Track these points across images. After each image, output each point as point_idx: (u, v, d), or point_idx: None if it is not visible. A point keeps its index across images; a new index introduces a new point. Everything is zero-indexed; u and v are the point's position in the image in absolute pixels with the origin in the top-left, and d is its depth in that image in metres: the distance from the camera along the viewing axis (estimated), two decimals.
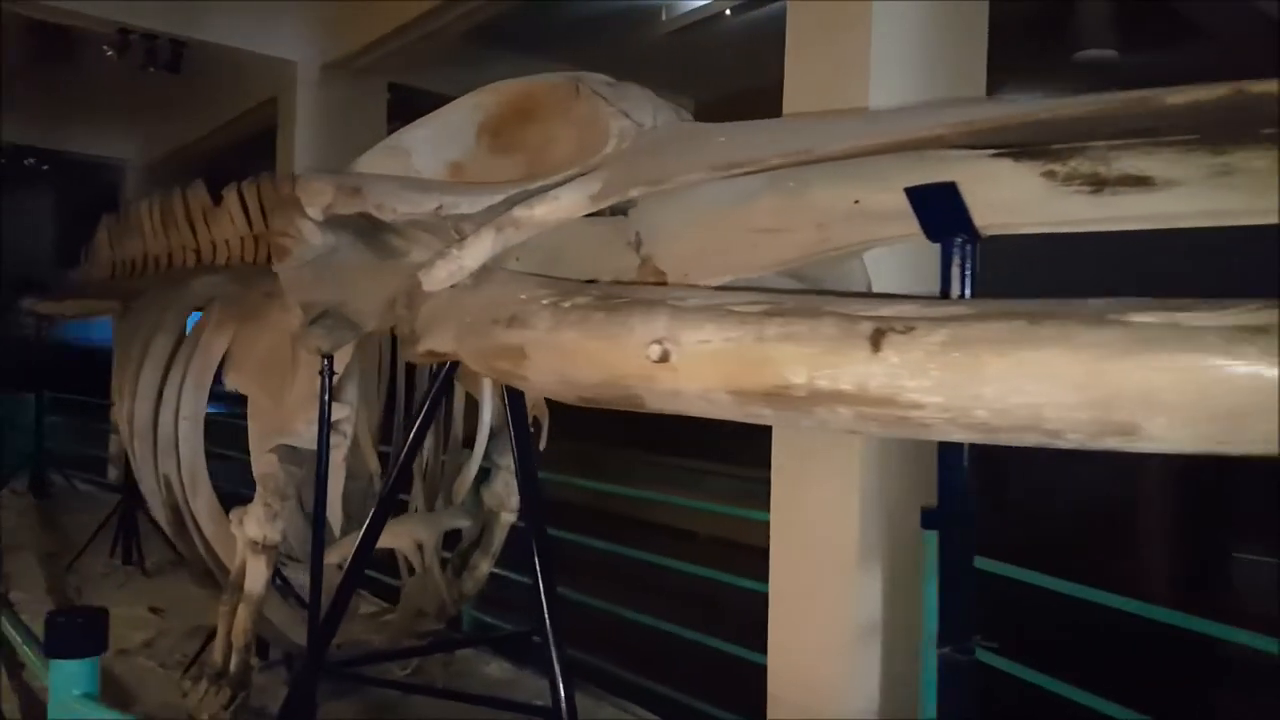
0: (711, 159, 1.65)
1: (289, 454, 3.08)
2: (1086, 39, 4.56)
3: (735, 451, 8.80)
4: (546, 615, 2.62)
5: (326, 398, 2.68)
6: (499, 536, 3.67)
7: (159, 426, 3.40)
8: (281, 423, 3.08)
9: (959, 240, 1.64)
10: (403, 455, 2.74)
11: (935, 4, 3.20)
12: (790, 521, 3.21)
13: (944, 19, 3.21)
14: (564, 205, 1.86)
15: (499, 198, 1.99)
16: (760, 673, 3.26)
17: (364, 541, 2.77)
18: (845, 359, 1.14)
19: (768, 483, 3.30)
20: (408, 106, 7.41)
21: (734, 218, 1.97)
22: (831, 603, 3.08)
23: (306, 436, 3.05)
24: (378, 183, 2.06)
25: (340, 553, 3.30)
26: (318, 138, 6.75)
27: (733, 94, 8.98)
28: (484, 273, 2.02)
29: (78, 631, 1.53)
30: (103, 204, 10.56)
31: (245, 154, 7.98)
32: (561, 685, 2.60)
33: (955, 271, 1.63)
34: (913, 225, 1.69)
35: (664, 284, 1.96)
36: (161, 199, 5.22)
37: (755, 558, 3.34)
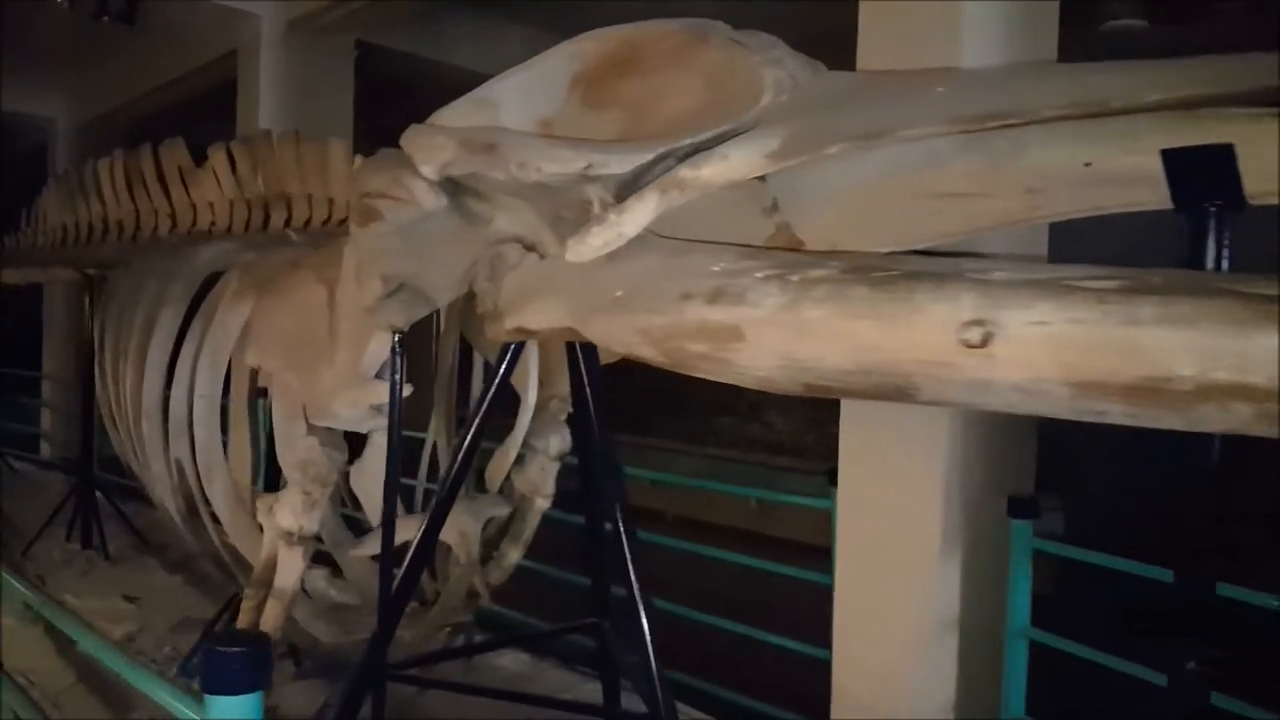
0: (945, 112, 1.45)
1: (330, 437, 2.80)
2: (1114, 9, 4.47)
3: (693, 430, 8.69)
4: (640, 604, 2.40)
5: (399, 378, 2.41)
6: (531, 524, 3.43)
7: (170, 407, 3.07)
8: (320, 404, 2.79)
9: (1213, 210, 1.46)
10: (468, 440, 2.50)
11: None
12: (862, 511, 3.05)
13: None
14: (734, 165, 1.64)
15: (648, 156, 1.76)
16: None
17: (429, 531, 2.53)
18: (1256, 346, 0.95)
19: (733, 461, 3.14)
20: (376, 66, 7.03)
21: (914, 182, 1.77)
22: (909, 595, 2.94)
23: (348, 418, 2.77)
24: (517, 139, 1.81)
25: (373, 545, 3.05)
26: (282, 97, 6.32)
27: None
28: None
29: (242, 664, 1.27)
30: (28, 165, 9.87)
31: (193, 114, 7.47)
32: (657, 683, 2.39)
33: (1211, 245, 1.45)
34: (1153, 192, 1.51)
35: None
36: (127, 158, 4.81)
37: (723, 537, 3.17)
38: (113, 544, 5.63)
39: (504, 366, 2.47)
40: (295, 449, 2.86)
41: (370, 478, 2.93)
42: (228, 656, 1.28)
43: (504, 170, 1.75)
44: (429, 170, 1.89)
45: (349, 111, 6.47)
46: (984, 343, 1.11)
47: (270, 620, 2.89)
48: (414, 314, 2.30)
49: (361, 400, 2.73)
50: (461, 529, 3.08)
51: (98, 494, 5.67)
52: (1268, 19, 4.19)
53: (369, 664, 2.42)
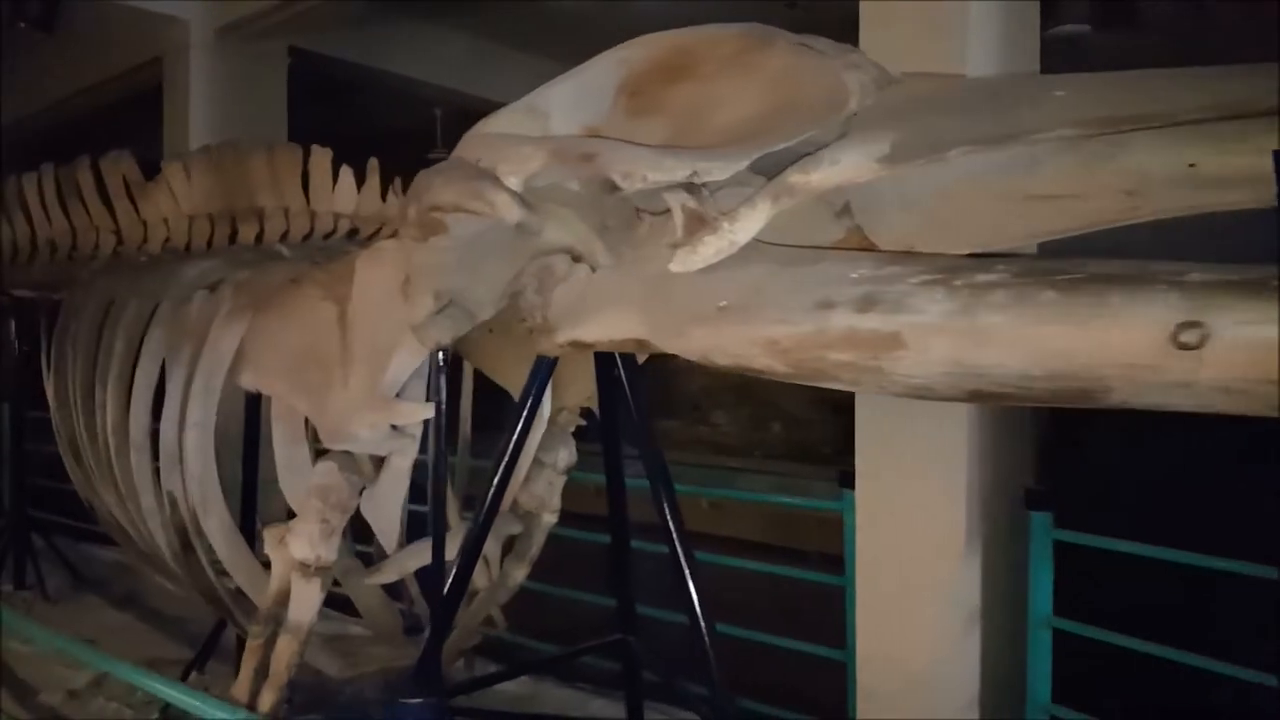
0: (1073, 115, 1.46)
1: (347, 462, 2.68)
2: (1060, 14, 4.63)
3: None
4: (699, 617, 2.36)
5: (443, 397, 2.32)
6: (538, 541, 3.35)
7: (160, 437, 2.89)
8: (336, 426, 2.67)
9: None
10: (505, 459, 2.43)
11: None
12: (880, 508, 3.07)
13: None
14: (844, 170, 1.63)
15: (745, 162, 1.73)
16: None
17: (468, 554, 2.44)
18: None
19: (683, 464, 3.16)
20: (309, 73, 6.80)
21: (1001, 185, 1.77)
22: (933, 591, 2.97)
23: (368, 440, 2.65)
24: (617, 146, 1.75)
25: (397, 569, 2.93)
26: (213, 105, 6.04)
27: None
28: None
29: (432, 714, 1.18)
30: None
31: (109, 122, 7.09)
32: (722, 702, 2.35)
33: None
34: (1253, 192, 1.55)
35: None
36: (60, 172, 4.55)
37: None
38: (48, 583, 5.29)
39: (536, 385, 2.40)
40: (304, 475, 2.73)
41: (386, 503, 2.81)
42: (418, 709, 1.20)
43: (617, 179, 1.69)
44: (515, 181, 1.82)
45: (283, 119, 6.24)
46: (1200, 344, 1.11)
47: (284, 658, 2.75)
48: (459, 330, 2.22)
49: (382, 421, 2.62)
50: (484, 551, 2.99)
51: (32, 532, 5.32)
52: (1210, 24, 4.40)
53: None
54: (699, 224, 1.66)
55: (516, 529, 3.18)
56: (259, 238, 3.55)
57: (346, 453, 2.70)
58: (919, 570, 2.99)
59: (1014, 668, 2.96)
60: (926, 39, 2.96)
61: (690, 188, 1.70)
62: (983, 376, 1.31)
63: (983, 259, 1.43)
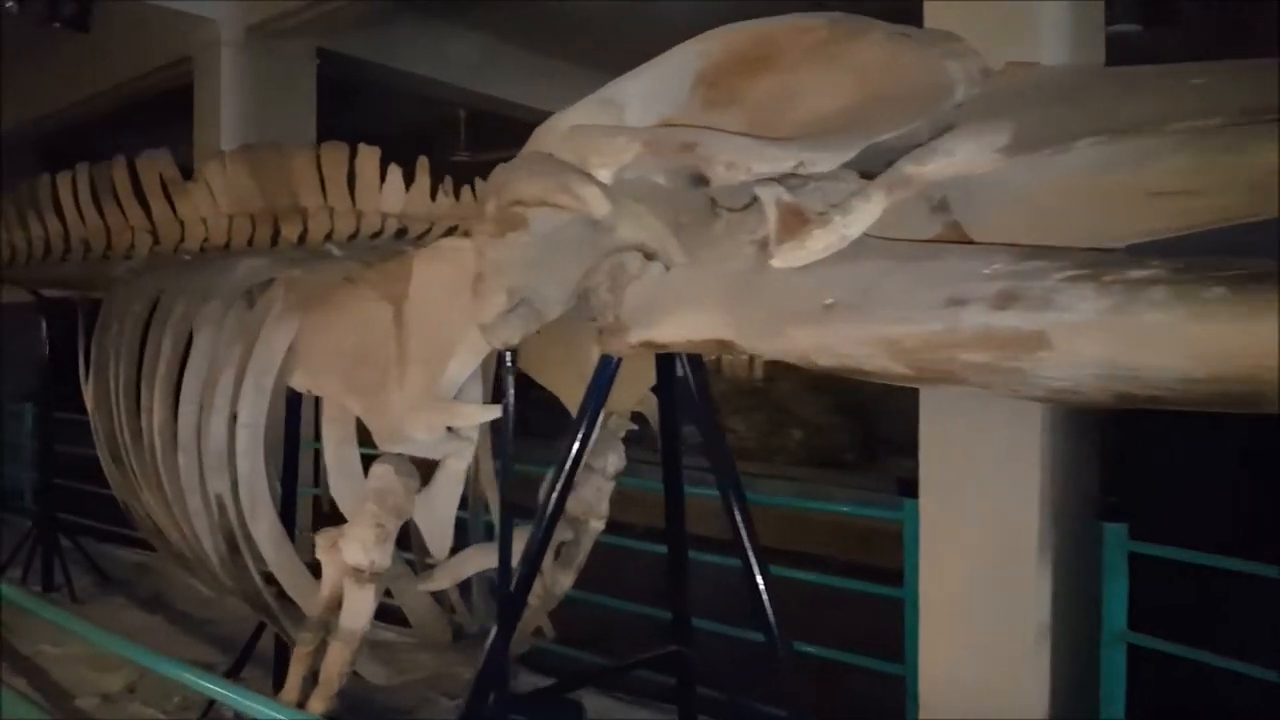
0: (1215, 104, 1.38)
1: (403, 465, 2.60)
2: (1112, 14, 4.54)
3: None
4: (775, 633, 2.28)
5: (510, 398, 2.24)
6: (585, 548, 3.26)
7: (209, 437, 2.82)
8: (391, 428, 2.59)
9: None
10: (570, 462, 2.35)
11: None
12: (947, 518, 2.98)
13: None
14: (960, 161, 1.55)
15: (851, 153, 1.65)
16: None
17: (530, 560, 2.37)
18: None
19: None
20: (333, 75, 6.74)
21: (1119, 178, 1.70)
22: (1003, 604, 2.88)
23: (424, 443, 2.58)
24: (718, 137, 1.68)
25: (452, 575, 2.85)
26: (243, 104, 5.99)
27: None
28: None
29: None
30: None
31: (136, 123, 7.05)
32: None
33: None
34: None
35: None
36: (94, 170, 4.49)
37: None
38: (75, 585, 5.23)
39: (602, 385, 2.33)
40: (355, 478, 2.66)
41: (439, 507, 2.73)
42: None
43: (722, 169, 1.61)
44: (606, 173, 1.74)
45: (311, 119, 6.20)
46: None
47: (335, 666, 2.67)
48: (528, 329, 2.14)
49: (441, 423, 2.55)
50: None
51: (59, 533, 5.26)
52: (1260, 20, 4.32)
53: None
54: (795, 219, 1.58)
55: (567, 536, 3.10)
56: (302, 238, 3.48)
57: (401, 455, 2.63)
58: (986, 582, 2.91)
59: (1086, 685, 2.87)
60: (994, 40, 2.87)
61: (785, 181, 1.62)
62: (1137, 379, 1.23)
63: (1131, 254, 1.34)
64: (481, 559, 2.84)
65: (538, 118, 3.25)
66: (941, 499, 2.99)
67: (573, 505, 3.21)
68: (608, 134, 1.76)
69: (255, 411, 2.81)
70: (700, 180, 1.91)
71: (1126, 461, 3.42)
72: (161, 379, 2.96)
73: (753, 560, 2.29)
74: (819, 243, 1.56)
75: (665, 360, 2.50)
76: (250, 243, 3.58)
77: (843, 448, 10.00)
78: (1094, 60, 3.19)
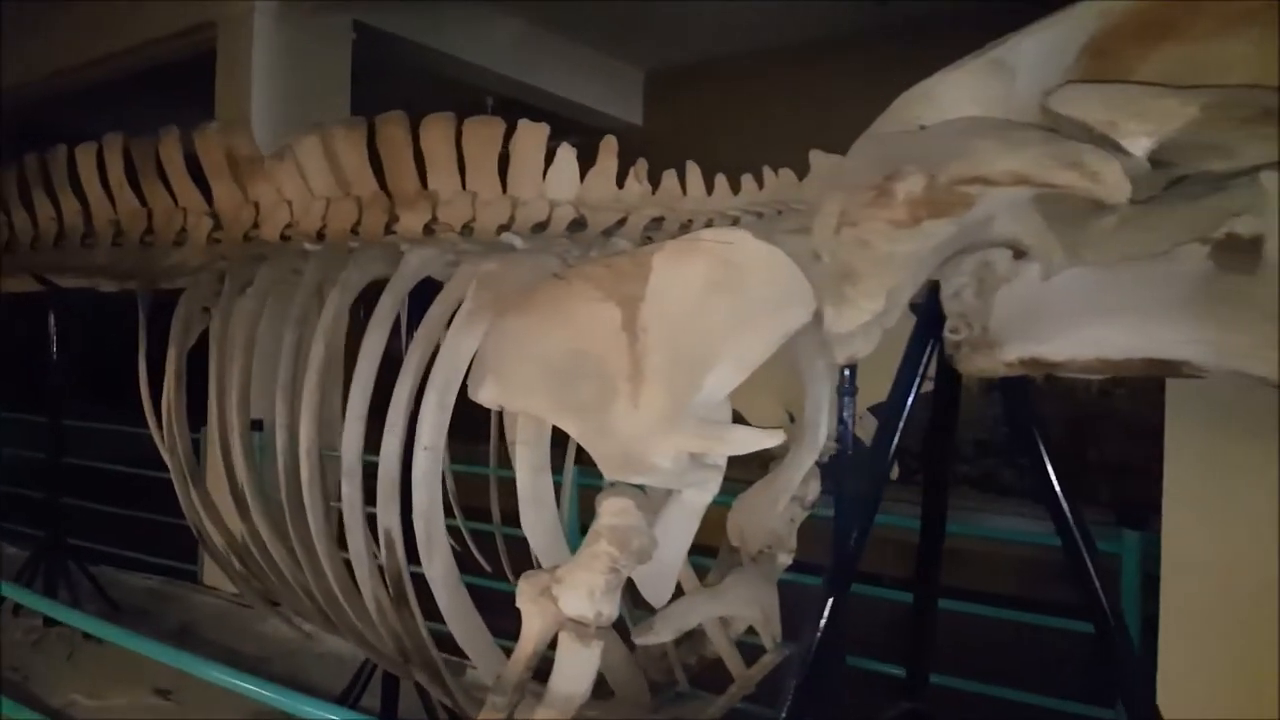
0: None
1: (641, 499, 2.18)
2: None
3: None
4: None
5: (849, 420, 1.86)
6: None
7: (380, 461, 2.35)
8: (627, 454, 2.17)
9: None
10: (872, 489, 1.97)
11: None
12: (1197, 562, 2.67)
13: None
14: None
15: None
16: None
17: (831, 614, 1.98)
18: None
19: None
20: (369, 53, 6.21)
21: None
22: (1261, 642, 2.58)
23: (667, 472, 2.16)
24: None
25: (672, 626, 2.43)
26: (272, 78, 5.43)
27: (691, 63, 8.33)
28: None
29: None
30: None
31: (142, 91, 6.39)
32: None
33: None
34: None
35: None
36: (130, 143, 3.94)
37: None
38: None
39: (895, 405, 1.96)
40: (549, 509, 2.25)
41: (667, 546, 2.31)
42: None
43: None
44: (1143, 142, 1.37)
45: (346, 98, 5.67)
46: None
47: None
48: (874, 343, 1.76)
49: (699, 448, 2.13)
50: (763, 604, 2.52)
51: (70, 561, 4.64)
52: None
53: None
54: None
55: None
56: (428, 227, 3.02)
57: (638, 488, 2.21)
58: (1240, 617, 2.61)
59: None
60: None
61: None
62: None
63: None
64: (709, 606, 2.44)
65: (569, 110, 2.88)
66: (1190, 540, 2.69)
67: (757, 538, 2.84)
68: (1154, 96, 1.38)
69: (437, 431, 2.35)
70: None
71: None
72: (311, 390, 2.48)
73: (1115, 630, 1.92)
74: None
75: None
76: (355, 230, 3.12)
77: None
78: None
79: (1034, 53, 1.71)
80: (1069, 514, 1.91)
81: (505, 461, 3.35)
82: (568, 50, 7.38)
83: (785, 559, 2.88)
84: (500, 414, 2.88)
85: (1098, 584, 1.90)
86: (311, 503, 2.47)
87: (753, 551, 2.80)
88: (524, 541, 2.43)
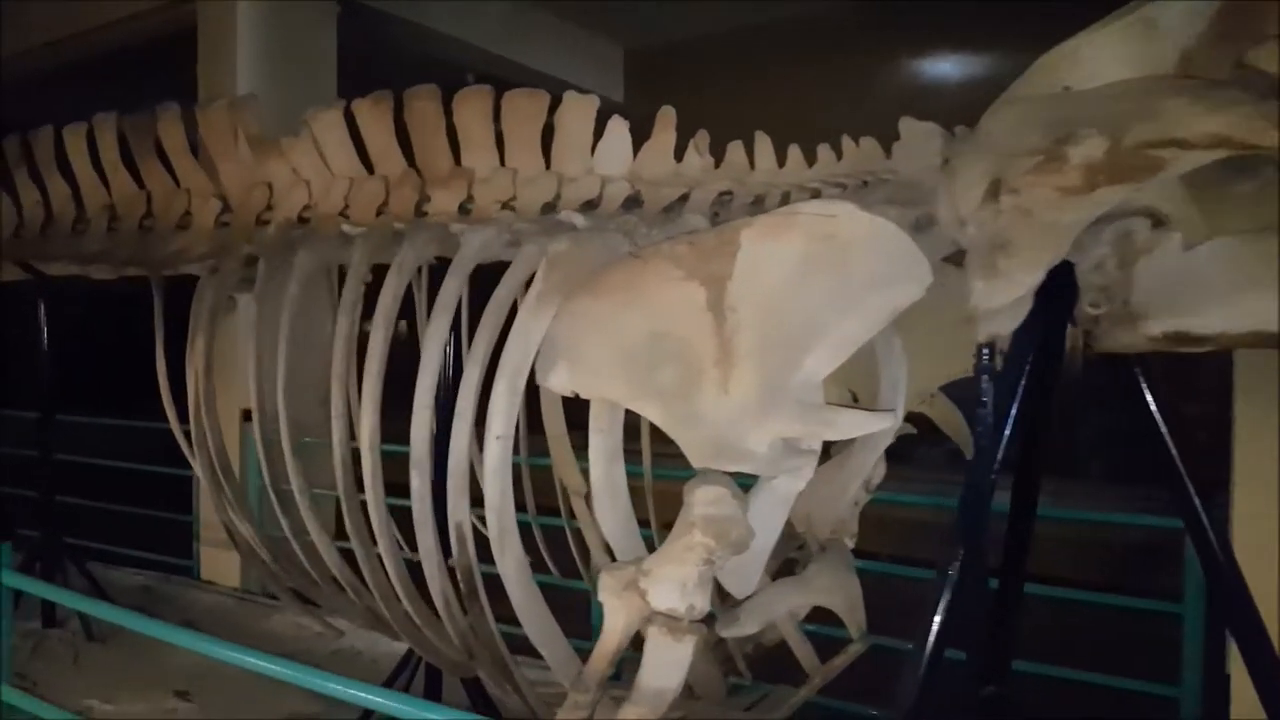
0: None
1: (735, 487, 2.09)
2: None
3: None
4: None
5: (990, 402, 1.77)
6: None
7: (450, 452, 2.22)
8: (719, 441, 2.08)
9: None
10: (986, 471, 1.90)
11: None
12: (1260, 517, 2.65)
13: None
14: None
15: None
16: None
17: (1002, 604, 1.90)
18: None
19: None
20: (353, 28, 5.99)
21: None
22: None
23: (762, 459, 2.07)
24: None
25: (758, 618, 2.35)
26: (255, 56, 5.21)
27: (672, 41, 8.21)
28: None
29: None
30: None
31: (104, 74, 6.10)
32: None
33: None
34: None
35: None
36: (124, 122, 3.75)
37: None
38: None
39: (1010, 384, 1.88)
40: (622, 499, 2.14)
41: (759, 535, 2.21)
42: None
43: None
44: None
45: (332, 76, 5.46)
46: None
47: None
48: (1020, 319, 1.69)
49: (802, 433, 2.05)
50: (847, 592, 2.44)
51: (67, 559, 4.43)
52: None
53: None
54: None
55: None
56: (463, 206, 2.88)
57: (729, 475, 2.11)
58: None
59: None
60: None
61: None
62: None
63: None
64: (795, 596, 2.36)
65: (550, 86, 2.76)
66: (1260, 518, 2.66)
67: (825, 523, 2.76)
68: None
69: (508, 419, 2.23)
70: None
71: None
72: (372, 379, 2.34)
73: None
74: None
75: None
76: (379, 210, 2.97)
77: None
78: None
79: (1183, 15, 1.63)
80: (1194, 497, 1.86)
81: (534, 450, 3.28)
82: (550, 26, 7.24)
83: (847, 544, 2.81)
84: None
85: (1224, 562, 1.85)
86: (374, 497, 2.34)
87: (821, 538, 2.72)
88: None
